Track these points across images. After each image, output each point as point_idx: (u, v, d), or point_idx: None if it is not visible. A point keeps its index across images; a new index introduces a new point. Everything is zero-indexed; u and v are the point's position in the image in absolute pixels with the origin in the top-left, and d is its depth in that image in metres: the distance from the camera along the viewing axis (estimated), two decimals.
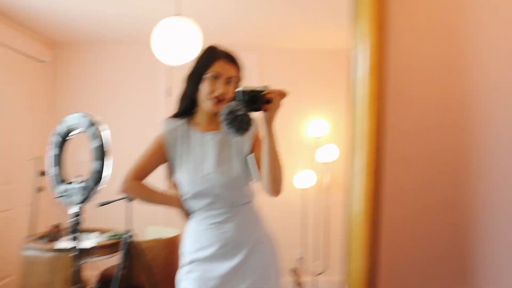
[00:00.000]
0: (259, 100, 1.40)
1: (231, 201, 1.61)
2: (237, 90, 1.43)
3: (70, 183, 2.26)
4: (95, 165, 2.19)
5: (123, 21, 3.44)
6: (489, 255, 1.44)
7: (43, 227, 3.83)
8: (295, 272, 3.97)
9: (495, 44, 1.43)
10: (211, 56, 1.61)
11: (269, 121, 1.43)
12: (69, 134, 2.31)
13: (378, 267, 0.91)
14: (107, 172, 2.22)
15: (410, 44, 1.41)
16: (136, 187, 1.71)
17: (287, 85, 1.44)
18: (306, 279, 4.00)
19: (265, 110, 1.41)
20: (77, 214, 2.24)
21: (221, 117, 1.39)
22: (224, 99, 1.58)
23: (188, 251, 1.67)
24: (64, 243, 2.40)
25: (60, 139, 2.29)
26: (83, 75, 4.08)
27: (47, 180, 2.42)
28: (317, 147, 3.90)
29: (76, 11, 3.21)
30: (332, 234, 4.03)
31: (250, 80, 4.17)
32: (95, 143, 2.19)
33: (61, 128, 2.29)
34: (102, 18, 3.37)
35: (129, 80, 4.07)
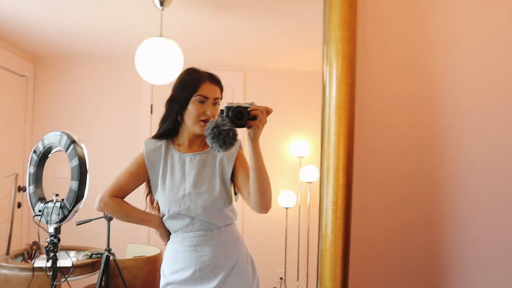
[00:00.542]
0: (244, 116, 1.40)
1: (210, 223, 1.60)
2: (223, 106, 1.44)
3: (48, 202, 2.24)
4: (73, 184, 2.18)
5: (106, 38, 3.44)
6: (459, 273, 1.47)
7: (22, 243, 3.76)
8: None
9: (462, 72, 1.50)
10: (197, 79, 1.61)
11: (254, 138, 1.43)
12: (48, 153, 2.30)
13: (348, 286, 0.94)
14: (84, 192, 2.21)
15: (379, 70, 1.46)
16: (113, 204, 1.68)
17: (271, 105, 1.46)
18: None
19: (249, 127, 1.42)
20: (55, 233, 2.22)
21: (206, 132, 1.39)
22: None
23: (164, 273, 1.66)
24: (42, 262, 2.36)
25: (37, 157, 2.28)
26: (64, 91, 4.04)
27: (26, 197, 2.40)
28: (300, 166, 3.93)
29: (58, 27, 3.21)
30: (313, 254, 4.04)
31: (234, 99, 4.19)
32: (73, 163, 2.18)
33: (40, 146, 2.28)
34: (85, 35, 3.37)
35: (111, 97, 4.06)
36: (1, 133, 3.61)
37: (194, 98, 1.59)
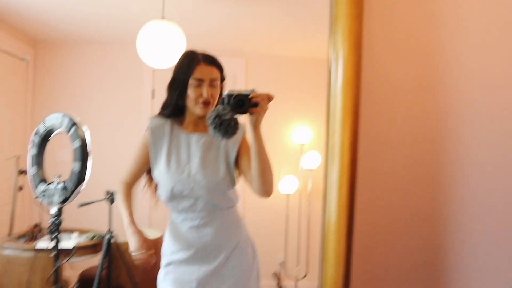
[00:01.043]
0: (245, 103, 1.41)
1: (213, 204, 1.62)
2: (224, 94, 1.44)
3: (50, 183, 2.25)
4: (75, 166, 2.19)
5: (107, 21, 3.43)
6: (461, 265, 1.47)
7: (24, 225, 3.79)
8: (277, 276, 4.00)
9: (468, 60, 1.48)
10: (191, 62, 1.62)
11: (255, 124, 1.44)
12: (50, 135, 2.30)
13: (350, 275, 0.93)
14: (87, 173, 2.22)
15: (385, 59, 1.44)
16: (119, 194, 1.75)
17: (273, 91, 1.46)
18: (287, 283, 4.02)
19: (251, 114, 1.42)
20: (57, 214, 2.23)
21: (208, 121, 1.41)
22: (210, 102, 1.61)
23: (166, 253, 1.68)
24: (44, 243, 2.39)
25: (39, 139, 2.28)
26: (65, 75, 4.04)
27: (28, 179, 2.41)
28: (302, 154, 3.94)
29: (59, 10, 3.19)
30: (313, 239, 4.07)
31: (236, 85, 4.19)
32: (76, 144, 2.19)
33: (41, 128, 2.28)
34: (86, 18, 3.36)
35: (111, 81, 4.06)
36: (2, 116, 3.62)
37: (190, 82, 1.60)
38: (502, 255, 1.49)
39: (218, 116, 1.39)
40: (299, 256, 3.97)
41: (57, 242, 2.25)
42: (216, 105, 1.61)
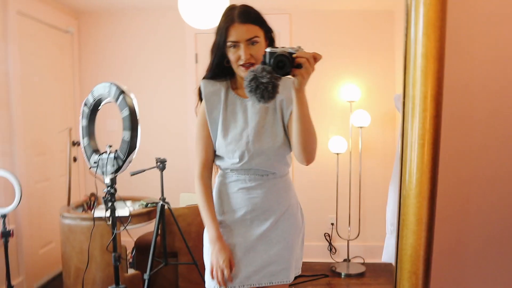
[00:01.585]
0: (286, 64, 1.27)
1: (268, 169, 1.56)
2: (266, 50, 1.31)
3: (102, 153, 2.27)
4: (125, 135, 2.18)
5: None
6: None
7: (80, 195, 3.92)
8: (329, 237, 3.96)
9: None
10: (225, 23, 1.49)
11: (299, 88, 1.31)
12: (99, 105, 2.30)
13: (432, 244, 0.82)
14: (137, 142, 2.21)
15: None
16: (197, 191, 1.61)
17: (318, 48, 1.30)
18: (339, 244, 3.98)
19: (294, 75, 1.29)
20: (111, 184, 2.26)
21: (244, 84, 1.29)
22: (252, 62, 1.48)
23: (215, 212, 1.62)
24: (101, 212, 2.44)
25: (89, 110, 2.29)
26: (109, 44, 4.04)
27: (81, 150, 2.45)
28: (350, 112, 3.78)
29: None
30: (364, 199, 3.97)
31: (280, 44, 4.04)
32: (124, 113, 2.17)
33: (90, 98, 2.28)
34: None
35: (155, 46, 4.02)
36: (52, 89, 3.69)
37: (228, 44, 1.49)
38: None
39: (254, 78, 1.26)
40: (351, 216, 3.89)
41: (113, 211, 2.29)
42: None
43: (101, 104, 2.31)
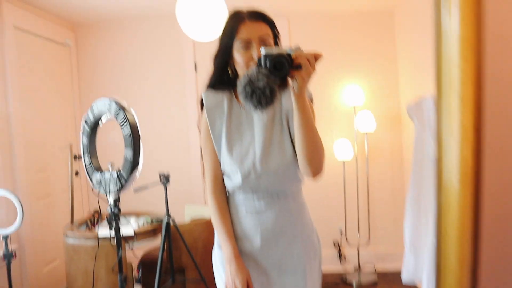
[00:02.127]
0: (285, 66, 1.15)
1: (277, 191, 1.41)
2: (261, 51, 1.19)
3: (105, 171, 2.20)
4: (127, 153, 2.11)
5: None
6: None
7: (83, 211, 3.86)
8: (338, 244, 3.88)
9: None
10: (234, 22, 1.36)
11: (299, 91, 1.19)
12: (98, 122, 2.23)
13: (479, 253, 0.69)
14: (139, 158, 2.15)
15: None
16: (215, 210, 1.45)
17: (319, 50, 1.21)
18: (348, 251, 3.90)
19: (293, 77, 1.17)
20: (115, 202, 2.19)
21: (238, 89, 1.17)
22: None
23: None
24: (105, 231, 2.37)
25: (89, 128, 2.22)
26: (107, 56, 3.98)
27: (82, 165, 2.38)
28: (354, 115, 3.70)
29: None
30: (373, 205, 3.89)
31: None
32: (125, 130, 2.11)
33: (90, 115, 2.22)
34: None
35: (153, 56, 3.95)
36: (52, 103, 3.63)
37: (236, 45, 1.35)
38: None
39: (249, 83, 1.15)
40: (360, 223, 3.81)
41: (118, 231, 2.22)
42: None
43: (101, 121, 2.25)
